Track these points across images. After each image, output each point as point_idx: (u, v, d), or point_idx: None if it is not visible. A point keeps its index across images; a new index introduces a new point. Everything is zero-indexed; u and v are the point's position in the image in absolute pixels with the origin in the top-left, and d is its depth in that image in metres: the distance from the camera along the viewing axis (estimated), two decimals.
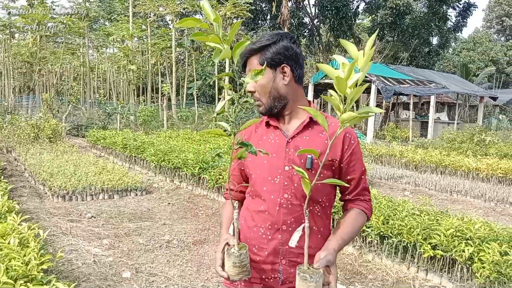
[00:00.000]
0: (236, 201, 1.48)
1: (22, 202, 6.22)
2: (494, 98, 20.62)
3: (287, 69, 1.50)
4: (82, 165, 8.20)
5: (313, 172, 1.45)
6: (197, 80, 28.73)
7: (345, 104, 1.23)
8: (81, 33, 23.34)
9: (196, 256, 4.50)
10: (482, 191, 7.46)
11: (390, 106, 23.14)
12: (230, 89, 1.67)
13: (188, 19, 1.31)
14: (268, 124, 1.58)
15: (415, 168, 10.51)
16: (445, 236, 3.70)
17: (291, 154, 1.48)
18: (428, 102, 22.22)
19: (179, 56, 33.65)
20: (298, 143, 1.49)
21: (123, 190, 7.13)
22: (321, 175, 1.45)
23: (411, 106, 18.78)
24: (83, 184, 6.86)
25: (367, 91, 18.92)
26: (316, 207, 1.49)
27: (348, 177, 1.53)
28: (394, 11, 24.75)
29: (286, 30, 25.44)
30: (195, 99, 21.76)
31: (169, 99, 22.84)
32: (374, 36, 1.22)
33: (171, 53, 26.86)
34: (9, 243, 3.14)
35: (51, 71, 22.05)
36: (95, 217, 5.80)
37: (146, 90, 28.05)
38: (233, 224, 1.45)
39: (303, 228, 1.38)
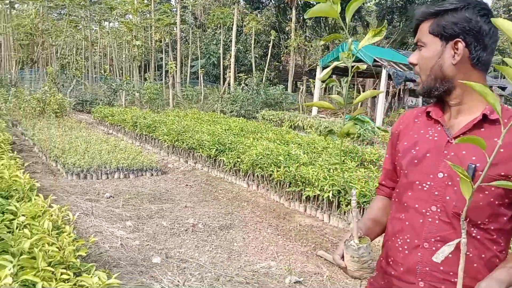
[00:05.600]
0: (384, 197, 1.44)
1: (37, 179, 6.01)
2: (503, 88, 20.38)
3: (461, 45, 1.18)
4: (93, 142, 7.99)
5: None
6: (200, 58, 28.29)
7: None
8: (82, 6, 22.77)
9: (225, 242, 4.34)
10: None
11: (396, 92, 22.90)
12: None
13: None
14: (429, 115, 1.28)
15: None
16: None
17: (450, 158, 1.18)
18: None
19: (181, 34, 33.10)
20: (461, 147, 1.17)
21: (139, 169, 6.94)
22: (486, 192, 1.14)
23: None
24: (98, 162, 6.66)
25: (376, 76, 18.67)
26: (474, 230, 1.17)
27: None
28: None
29: (293, 9, 24.94)
30: (200, 78, 21.38)
31: (173, 77, 22.51)
32: None
33: (174, 29, 26.36)
34: (42, 226, 2.95)
35: (53, 44, 21.55)
36: (113, 197, 5.62)
37: (148, 67, 27.59)
38: (351, 212, 1.27)
39: (457, 244, 1.07)
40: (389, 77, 15.74)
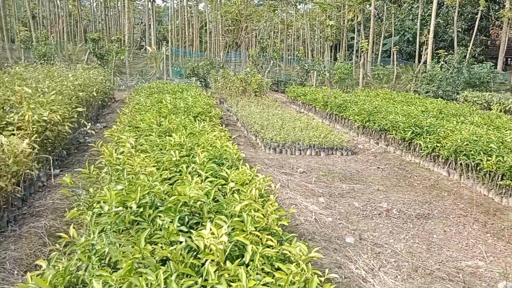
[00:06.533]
0: None
1: (241, 151, 6.65)
2: None
3: None
4: (287, 119, 8.39)
5: None
6: (394, 35, 26.80)
7: None
8: None
9: (423, 232, 4.01)
10: None
11: None
12: None
13: None
14: None
15: None
16: None
17: None
18: None
19: (375, 10, 31.90)
20: None
21: (329, 148, 7.00)
22: None
23: None
24: (292, 139, 6.98)
25: None
26: None
27: None
28: None
29: None
30: (393, 56, 20.28)
31: (364, 57, 21.97)
32: None
33: (367, 7, 25.53)
34: (250, 193, 3.20)
35: (254, 29, 23.49)
36: (306, 173, 5.81)
37: (339, 47, 27.60)
38: None
39: None
40: None
